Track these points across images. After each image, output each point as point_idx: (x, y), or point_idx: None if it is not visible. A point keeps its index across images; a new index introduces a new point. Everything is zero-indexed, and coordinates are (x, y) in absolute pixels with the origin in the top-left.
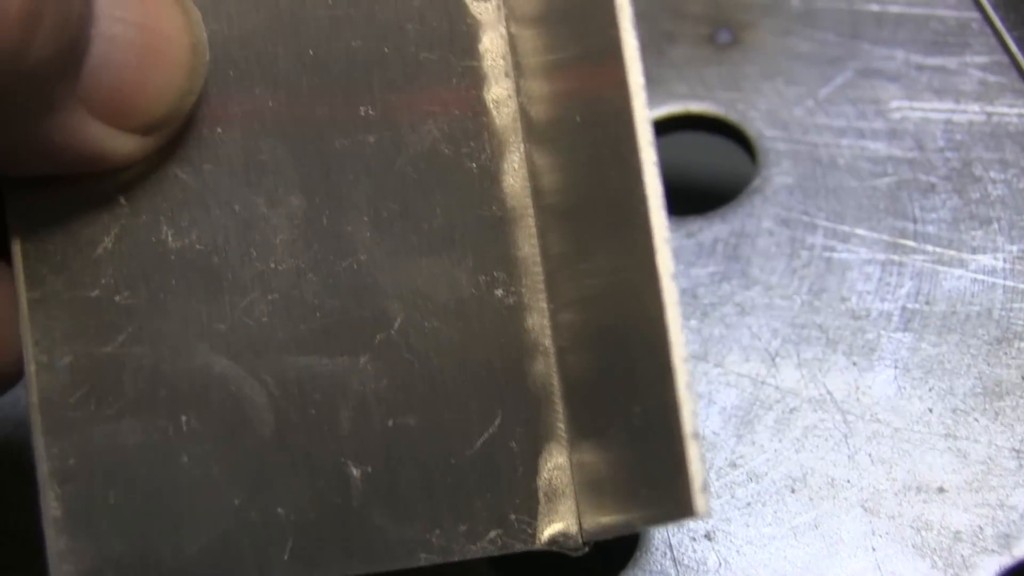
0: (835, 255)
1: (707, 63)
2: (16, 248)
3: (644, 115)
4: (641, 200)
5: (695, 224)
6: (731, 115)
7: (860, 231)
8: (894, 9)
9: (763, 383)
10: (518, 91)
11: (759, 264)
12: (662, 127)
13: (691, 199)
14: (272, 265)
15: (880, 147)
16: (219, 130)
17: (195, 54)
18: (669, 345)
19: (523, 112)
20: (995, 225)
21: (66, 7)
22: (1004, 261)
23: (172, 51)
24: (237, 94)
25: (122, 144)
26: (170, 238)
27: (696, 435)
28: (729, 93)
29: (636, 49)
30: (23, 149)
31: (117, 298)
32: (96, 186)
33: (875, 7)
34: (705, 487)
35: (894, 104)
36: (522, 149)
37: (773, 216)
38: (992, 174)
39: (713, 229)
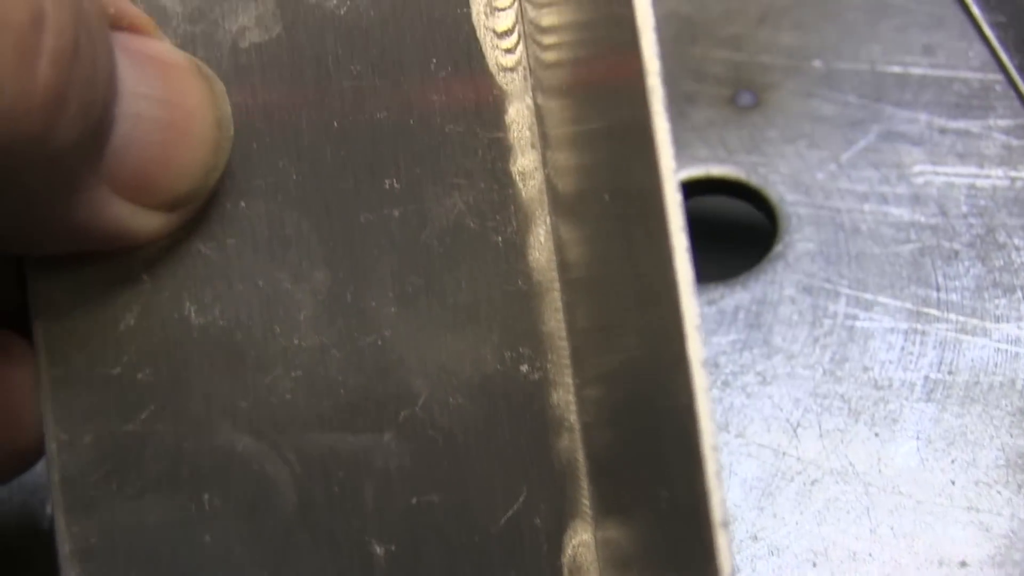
0: (857, 323)
1: (728, 125)
2: (38, 326)
3: (676, 199)
4: (672, 285)
5: (716, 291)
6: (752, 179)
7: (883, 299)
8: (917, 71)
9: (784, 454)
10: (544, 163)
11: (781, 332)
12: (682, 191)
13: (712, 265)
14: (296, 341)
15: (903, 212)
16: (242, 204)
17: (220, 128)
18: (699, 433)
19: (549, 184)
20: (1019, 293)
21: (91, 89)
22: None
23: (196, 126)
24: (261, 167)
25: (146, 222)
26: (193, 314)
27: (725, 524)
28: (751, 156)
29: (668, 132)
30: (47, 230)
31: (139, 375)
32: (118, 262)
33: (897, 69)
34: (734, 574)
35: (917, 168)
36: (548, 222)
37: (795, 283)
38: (1016, 241)
39: (735, 296)
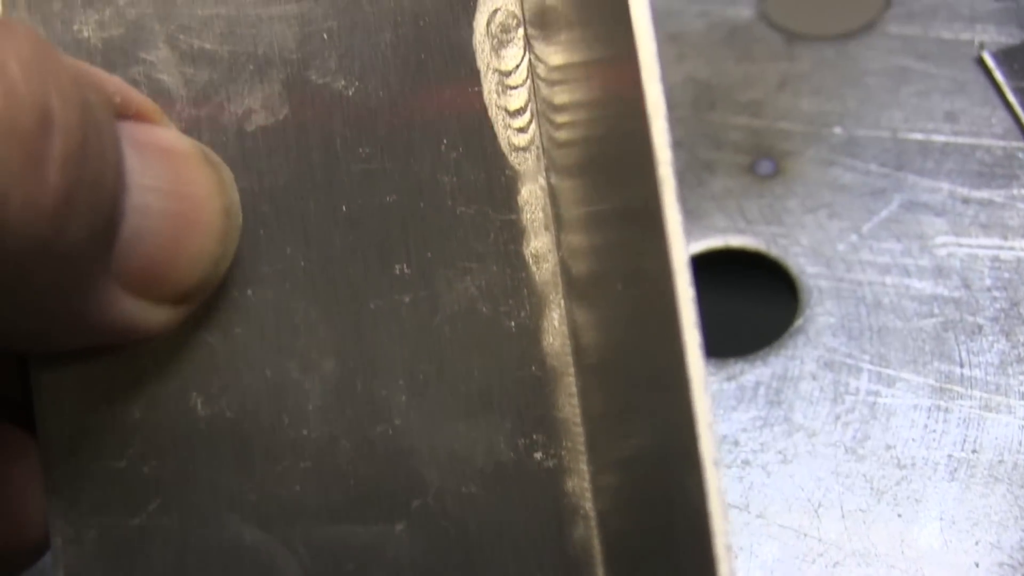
0: (880, 400)
1: (748, 195)
2: (41, 419)
3: (688, 294)
4: (684, 382)
5: (736, 367)
6: (772, 250)
7: (905, 375)
8: (939, 138)
9: (806, 535)
10: (558, 245)
11: (802, 409)
12: (701, 262)
13: (731, 339)
14: (304, 432)
15: (926, 286)
16: (249, 292)
17: (228, 217)
18: (712, 534)
19: (564, 267)
20: None
21: (100, 188)
22: None
23: (205, 216)
24: (268, 254)
25: (155, 316)
26: (199, 405)
27: None
28: (770, 227)
29: (680, 224)
30: (54, 329)
31: (145, 469)
32: (123, 354)
33: (919, 136)
34: None
35: (940, 240)
36: (563, 306)
37: (816, 358)
38: None
39: (755, 372)
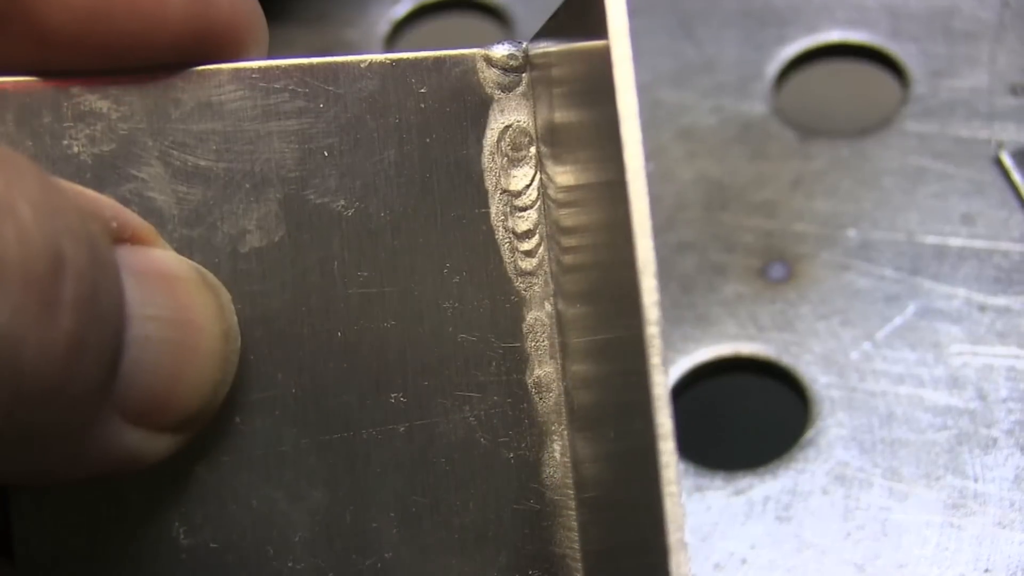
0: (891, 516)
1: (759, 300)
2: (20, 546)
3: (668, 446)
4: (661, 526)
5: (744, 480)
6: (784, 358)
7: (918, 490)
8: (955, 242)
9: None
10: (563, 374)
11: (811, 526)
12: (710, 370)
13: (740, 450)
14: (290, 564)
15: (940, 396)
16: (237, 419)
17: (227, 341)
18: None
19: (568, 396)
20: None
21: (107, 325)
22: None
23: (205, 343)
24: (258, 380)
25: (155, 445)
26: (182, 535)
27: None
28: (782, 334)
29: (665, 387)
30: (53, 465)
31: None
32: (106, 481)
33: (935, 239)
34: None
35: (955, 348)
36: (565, 437)
37: (827, 472)
38: None
39: (764, 486)
